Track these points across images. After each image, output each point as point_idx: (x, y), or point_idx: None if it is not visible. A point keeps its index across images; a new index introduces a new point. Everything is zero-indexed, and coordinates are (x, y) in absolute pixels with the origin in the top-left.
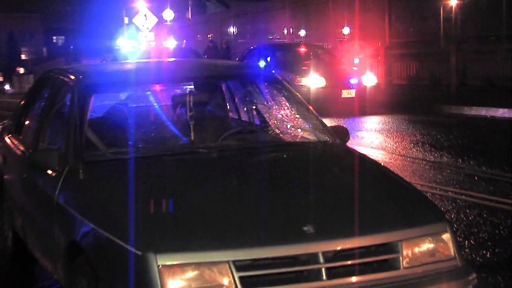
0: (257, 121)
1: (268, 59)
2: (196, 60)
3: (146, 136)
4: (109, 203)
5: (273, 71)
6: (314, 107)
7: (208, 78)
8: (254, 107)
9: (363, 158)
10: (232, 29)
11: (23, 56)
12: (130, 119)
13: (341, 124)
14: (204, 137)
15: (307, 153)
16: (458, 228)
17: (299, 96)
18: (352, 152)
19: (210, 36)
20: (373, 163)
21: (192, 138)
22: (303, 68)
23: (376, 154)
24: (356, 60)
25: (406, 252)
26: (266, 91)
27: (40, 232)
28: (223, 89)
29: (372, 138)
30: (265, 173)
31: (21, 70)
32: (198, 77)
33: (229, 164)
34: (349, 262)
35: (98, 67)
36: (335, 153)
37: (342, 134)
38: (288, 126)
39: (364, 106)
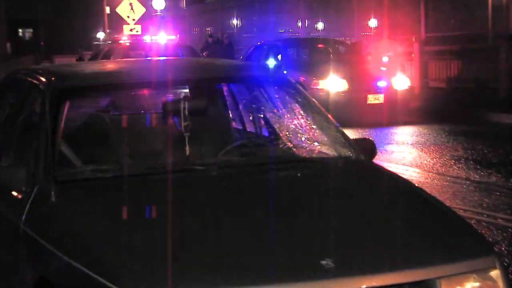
0: (265, 133)
1: (279, 57)
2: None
3: (132, 150)
4: (86, 232)
5: (285, 72)
6: (334, 116)
7: (207, 80)
8: (261, 115)
9: (394, 177)
10: (235, 22)
11: None
12: (113, 130)
13: (367, 137)
14: (201, 152)
15: (325, 172)
16: (511, 263)
17: (316, 102)
18: (380, 170)
19: (208, 29)
20: (406, 184)
21: (187, 152)
22: (320, 68)
23: (409, 173)
24: (385, 59)
25: None
26: (276, 96)
27: (1, 266)
28: (225, 94)
29: (404, 153)
30: (275, 196)
31: None
32: (194, 80)
33: (231, 185)
34: None
35: (74, 67)
36: (360, 171)
37: (368, 148)
38: (303, 139)
39: (395, 114)
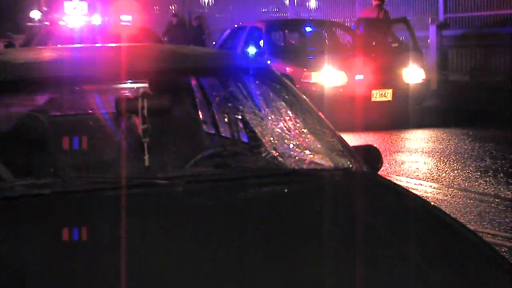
0: (244, 138)
1: (261, 44)
2: (152, 46)
3: (76, 160)
4: (15, 265)
5: (268, 62)
6: (330, 117)
7: (171, 72)
8: (239, 117)
9: (404, 194)
10: None
11: None
12: (52, 135)
13: (371, 143)
14: (164, 162)
15: (319, 187)
16: None
17: (307, 100)
18: (388, 185)
19: (173, 8)
20: (419, 203)
21: (147, 163)
22: (313, 57)
23: (424, 188)
24: (394, 45)
25: None
26: (258, 93)
27: None
28: (194, 89)
29: (418, 164)
30: (256, 220)
31: None
32: (155, 72)
33: (201, 204)
34: None
35: (2, 56)
36: (362, 186)
37: (372, 157)
38: (291, 146)
39: (406, 114)
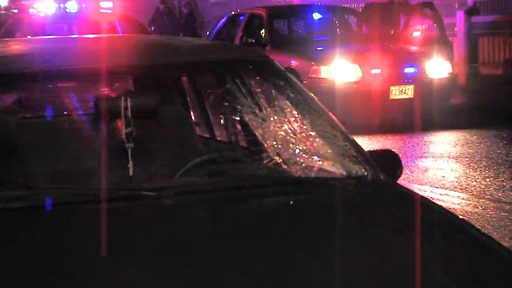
0: (243, 142)
1: (262, 34)
2: (137, 38)
3: (50, 169)
4: None
5: (270, 57)
6: (342, 117)
7: (158, 68)
8: (238, 118)
9: (428, 206)
10: None
11: None
12: (21, 140)
13: (389, 147)
14: (151, 171)
15: (329, 199)
16: None
17: (316, 98)
18: (409, 196)
19: None
20: (446, 216)
21: (131, 172)
22: (322, 49)
23: (451, 199)
24: (416, 34)
25: None
26: (259, 90)
27: None
28: (185, 87)
29: (444, 171)
30: (257, 237)
31: None
32: (140, 67)
33: (193, 220)
34: None
35: None
36: (379, 198)
37: (391, 164)
38: (297, 151)
39: (430, 113)
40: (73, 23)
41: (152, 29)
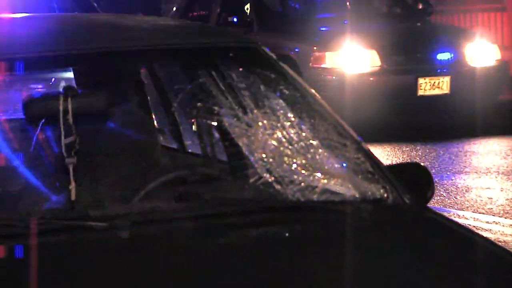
0: (222, 155)
1: (247, 10)
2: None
3: None
4: None
5: (257, 41)
6: (353, 121)
7: (109, 57)
8: (215, 122)
9: (470, 239)
10: None
11: None
12: None
13: (417, 160)
14: (100, 194)
15: (337, 230)
16: None
17: (318, 96)
18: (444, 225)
19: None
20: (494, 252)
21: (73, 195)
22: (326, 29)
23: (501, 229)
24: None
25: None
26: (243, 85)
27: None
28: (145, 83)
29: (492, 191)
30: (240, 283)
31: None
32: (84, 56)
33: (158, 260)
34: None
35: None
36: (404, 228)
37: (419, 182)
38: (294, 166)
39: (473, 114)
40: None
41: (99, 3)
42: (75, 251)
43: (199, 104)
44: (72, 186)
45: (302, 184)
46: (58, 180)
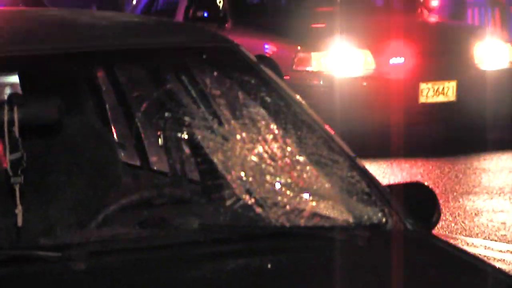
0: (193, 173)
1: (219, 2)
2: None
3: None
4: None
5: (233, 41)
6: (346, 132)
7: (61, 59)
8: (185, 135)
9: (481, 270)
10: None
11: None
12: None
13: (419, 179)
14: (52, 218)
15: (328, 260)
16: None
17: (304, 104)
18: (451, 255)
19: None
20: (508, 285)
21: (19, 221)
22: (314, 28)
23: None
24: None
25: None
26: (218, 92)
27: None
28: (102, 89)
29: (506, 215)
30: None
31: None
32: (31, 59)
33: None
34: None
35: None
36: (405, 257)
37: (422, 204)
38: (277, 186)
39: (482, 125)
40: None
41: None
42: (22, 286)
43: (166, 114)
44: (19, 210)
45: (287, 207)
46: (2, 203)
